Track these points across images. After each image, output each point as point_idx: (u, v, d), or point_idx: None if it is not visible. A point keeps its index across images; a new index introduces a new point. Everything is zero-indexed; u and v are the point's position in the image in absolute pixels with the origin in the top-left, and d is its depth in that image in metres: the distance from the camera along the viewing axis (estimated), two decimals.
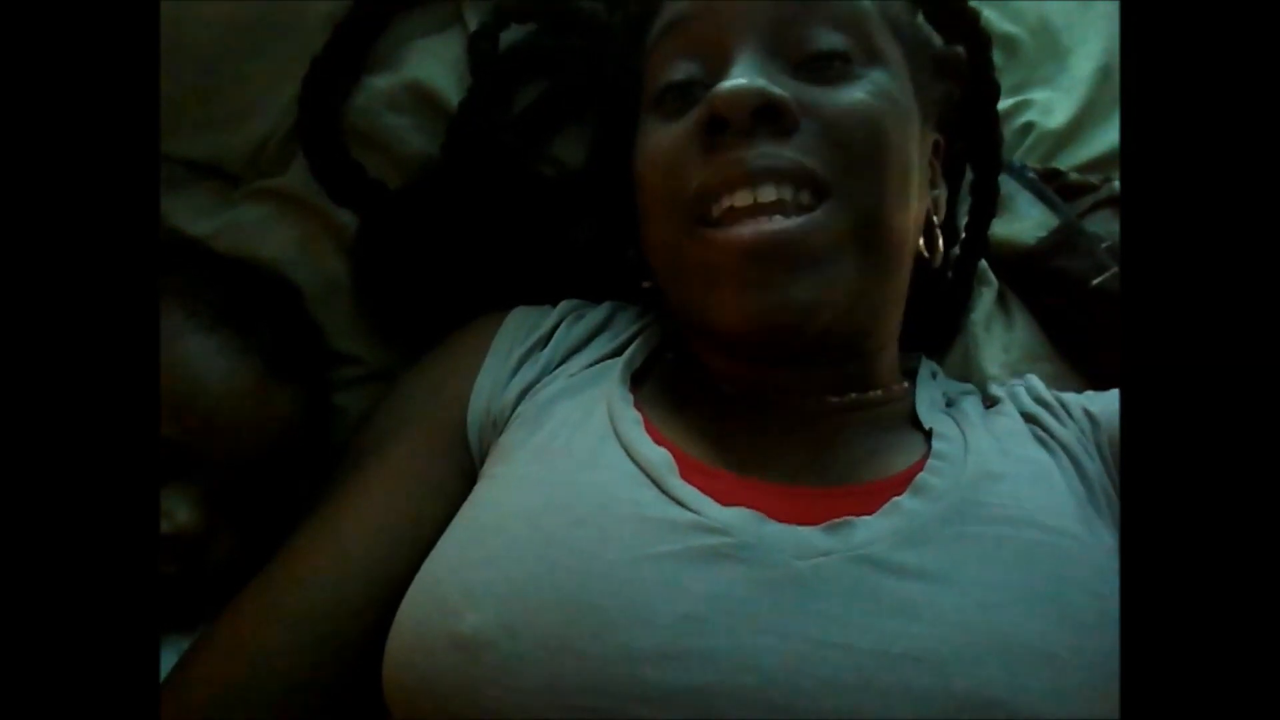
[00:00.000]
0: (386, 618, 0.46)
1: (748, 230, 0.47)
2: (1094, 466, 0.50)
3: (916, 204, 0.53)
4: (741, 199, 0.48)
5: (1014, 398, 0.56)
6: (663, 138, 0.52)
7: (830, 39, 0.51)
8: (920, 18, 0.60)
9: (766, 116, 0.48)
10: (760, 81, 0.48)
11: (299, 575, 0.51)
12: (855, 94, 0.50)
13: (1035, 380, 0.58)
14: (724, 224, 0.48)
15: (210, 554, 0.55)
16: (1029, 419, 0.54)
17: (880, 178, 0.49)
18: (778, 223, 0.47)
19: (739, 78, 0.48)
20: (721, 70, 0.50)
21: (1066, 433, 0.52)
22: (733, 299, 0.48)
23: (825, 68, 0.51)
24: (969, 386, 0.60)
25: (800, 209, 0.48)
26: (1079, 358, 0.66)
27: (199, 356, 0.55)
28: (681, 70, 0.53)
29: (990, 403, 0.57)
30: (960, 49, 0.60)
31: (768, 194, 0.48)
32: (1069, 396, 0.55)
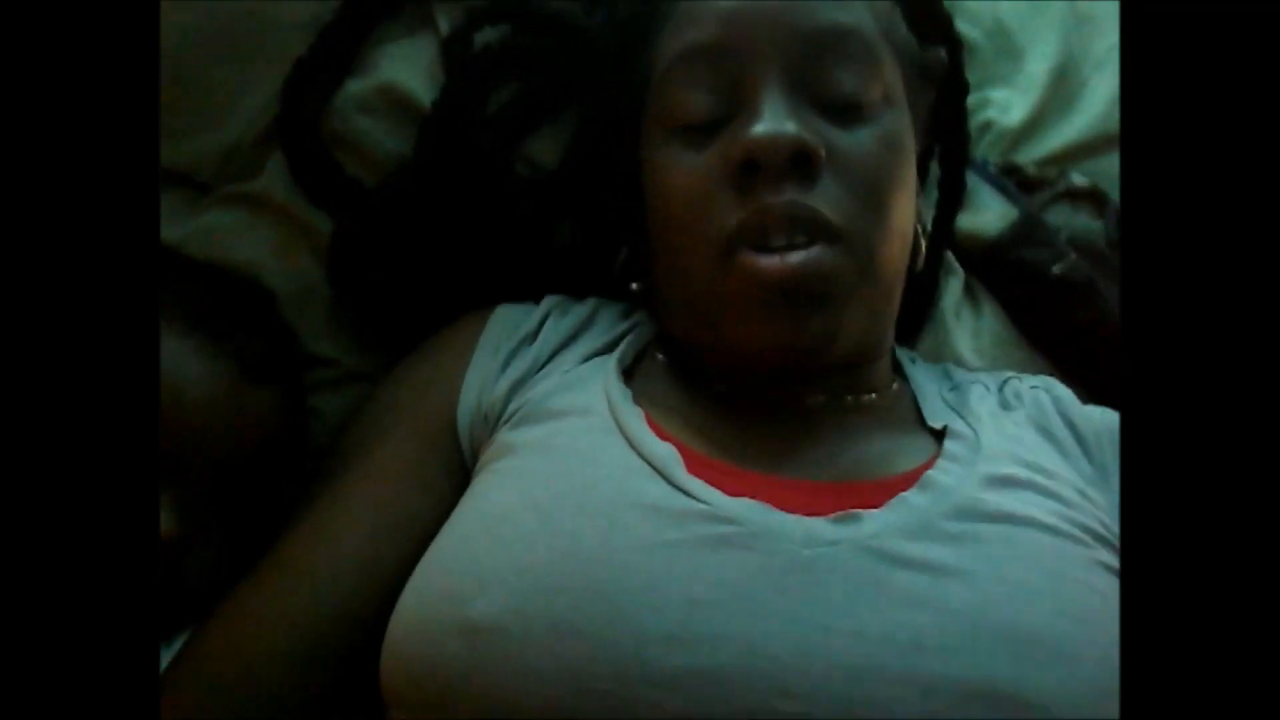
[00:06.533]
0: (380, 615, 0.46)
1: (774, 263, 0.48)
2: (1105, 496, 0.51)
3: (911, 226, 0.55)
4: (777, 241, 0.49)
5: (1037, 404, 0.56)
6: (687, 170, 0.52)
7: (850, 80, 0.52)
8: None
9: (797, 161, 0.49)
10: (795, 128, 0.49)
11: (291, 575, 0.51)
12: (870, 143, 0.52)
13: (1060, 389, 0.58)
14: (754, 253, 0.49)
15: (190, 560, 0.55)
16: (1043, 431, 0.54)
17: (886, 224, 0.51)
18: (797, 257, 0.48)
19: (772, 121, 0.49)
20: (747, 106, 0.51)
21: (1073, 467, 0.52)
22: (761, 329, 0.50)
23: (845, 108, 0.52)
24: (973, 375, 0.60)
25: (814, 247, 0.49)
26: (1044, 342, 0.68)
27: (172, 362, 0.54)
28: (701, 101, 0.52)
29: (1004, 401, 0.57)
30: (940, 51, 0.61)
31: (797, 239, 0.49)
32: (1085, 416, 0.55)
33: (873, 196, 0.51)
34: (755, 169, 0.49)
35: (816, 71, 0.52)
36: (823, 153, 0.49)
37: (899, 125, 0.54)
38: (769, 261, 0.49)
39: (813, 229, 0.49)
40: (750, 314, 0.50)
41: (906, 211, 0.54)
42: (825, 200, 0.49)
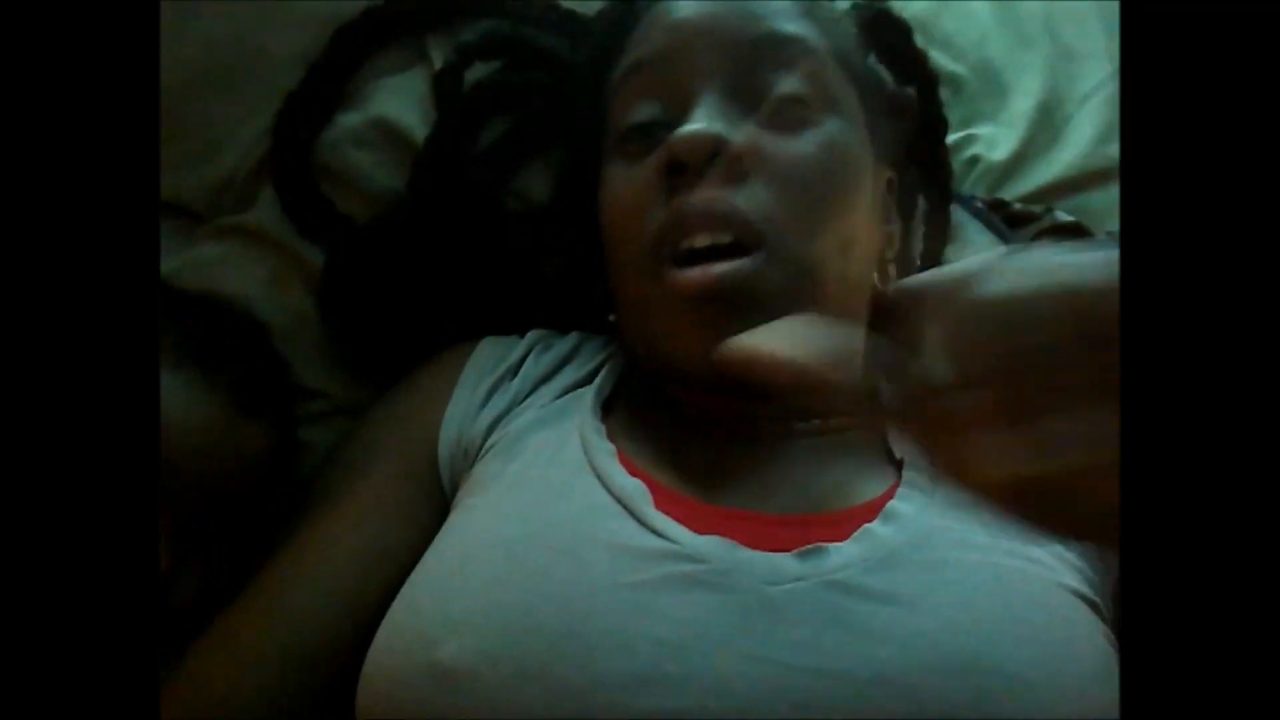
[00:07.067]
0: (359, 650, 0.46)
1: (696, 274, 0.49)
2: None
3: (865, 245, 0.55)
4: (700, 241, 0.50)
5: None
6: (625, 181, 0.54)
7: (789, 84, 0.53)
8: (872, 58, 0.63)
9: (721, 161, 0.50)
10: (716, 127, 0.50)
11: (268, 610, 0.51)
12: (806, 146, 0.52)
13: None
14: (680, 265, 0.50)
15: (175, 591, 0.54)
16: None
17: (819, 228, 0.51)
18: (720, 268, 0.49)
19: (698, 122, 0.50)
20: (683, 113, 0.52)
21: None
22: (686, 338, 0.50)
23: (783, 113, 0.52)
24: None
25: (743, 253, 0.50)
26: None
27: (164, 394, 0.54)
28: (643, 112, 0.54)
29: None
30: (911, 90, 0.62)
31: (721, 238, 0.50)
32: None
33: (803, 199, 0.51)
34: (681, 170, 0.50)
35: (755, 78, 0.53)
36: (745, 150, 0.50)
37: (843, 135, 0.54)
38: (690, 274, 0.49)
39: (733, 225, 0.49)
40: (679, 327, 0.51)
41: (850, 220, 0.53)
42: (749, 199, 0.50)
